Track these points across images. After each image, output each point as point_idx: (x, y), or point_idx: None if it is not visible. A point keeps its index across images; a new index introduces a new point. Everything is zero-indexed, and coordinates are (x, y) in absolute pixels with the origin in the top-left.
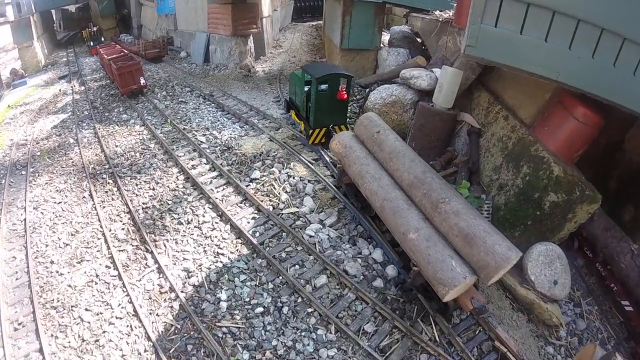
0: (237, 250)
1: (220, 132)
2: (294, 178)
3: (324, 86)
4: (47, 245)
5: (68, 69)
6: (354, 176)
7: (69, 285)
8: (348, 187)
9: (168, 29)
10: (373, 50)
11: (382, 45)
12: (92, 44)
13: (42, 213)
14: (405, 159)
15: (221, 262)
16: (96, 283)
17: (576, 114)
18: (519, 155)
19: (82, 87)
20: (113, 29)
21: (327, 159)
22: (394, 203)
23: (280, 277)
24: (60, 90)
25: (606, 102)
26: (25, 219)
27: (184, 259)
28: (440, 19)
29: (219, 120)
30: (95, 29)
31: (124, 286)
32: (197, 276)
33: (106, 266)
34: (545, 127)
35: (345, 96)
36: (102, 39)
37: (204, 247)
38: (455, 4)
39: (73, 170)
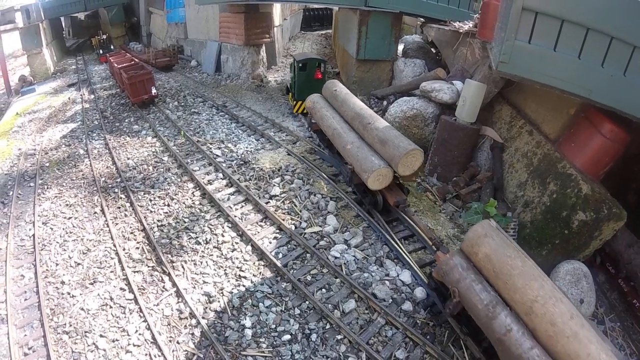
0: (260, 273)
1: (235, 145)
2: (315, 195)
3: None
4: (57, 264)
5: (77, 77)
6: (318, 120)
7: (82, 309)
8: (317, 134)
9: (178, 38)
10: (389, 61)
11: (397, 55)
12: (101, 51)
13: (51, 229)
14: (350, 103)
15: (244, 285)
16: (111, 307)
17: (603, 130)
18: (545, 171)
19: (92, 96)
20: (122, 36)
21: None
22: (340, 130)
23: (307, 302)
24: (69, 98)
25: (636, 120)
26: (34, 235)
27: (204, 282)
28: (461, 30)
29: (233, 133)
30: (104, 36)
31: (141, 311)
32: (218, 301)
33: (121, 288)
34: (572, 144)
35: (320, 76)
36: (112, 46)
37: (225, 270)
38: (477, 16)
39: (83, 183)
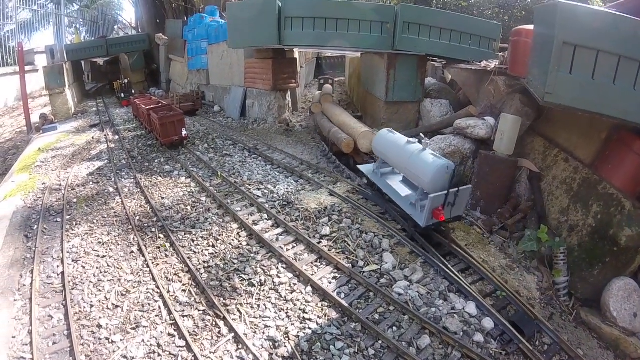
0: (325, 314)
1: (275, 187)
2: (366, 234)
3: None
4: (92, 306)
5: (99, 118)
6: (321, 127)
7: (125, 357)
8: (321, 138)
9: (199, 84)
10: (416, 102)
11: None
12: (122, 95)
13: (83, 267)
14: (339, 115)
15: (310, 328)
16: (159, 355)
17: (636, 148)
18: (586, 195)
19: (116, 136)
20: (142, 82)
21: (396, 213)
22: (333, 129)
23: (380, 341)
24: (93, 137)
25: None
26: (62, 272)
27: (266, 326)
28: (488, 69)
29: (270, 174)
30: (126, 81)
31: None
32: (285, 346)
33: (169, 334)
34: (608, 165)
35: None
36: (132, 91)
37: (287, 312)
38: (502, 54)
39: (116, 221)
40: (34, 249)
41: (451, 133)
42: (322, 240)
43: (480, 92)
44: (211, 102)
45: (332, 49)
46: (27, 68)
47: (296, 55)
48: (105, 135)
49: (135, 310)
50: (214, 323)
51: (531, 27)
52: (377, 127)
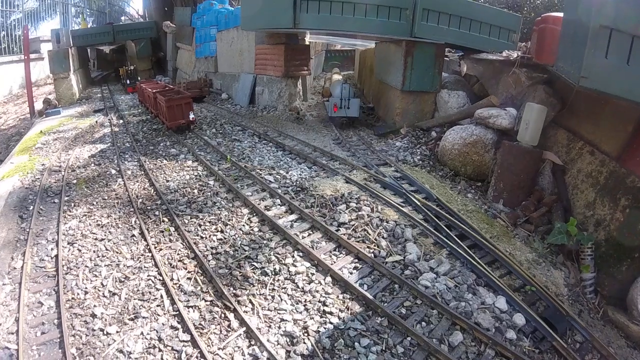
0: (347, 307)
1: (287, 172)
2: (387, 222)
3: None
4: (86, 292)
5: (103, 104)
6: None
7: (120, 351)
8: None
9: (207, 72)
10: (432, 92)
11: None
12: (128, 82)
13: (79, 250)
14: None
15: (331, 322)
16: (160, 350)
17: None
18: (613, 188)
19: (121, 121)
20: (148, 70)
21: (417, 202)
22: None
23: (409, 338)
24: (97, 121)
25: None
26: (56, 255)
27: (282, 319)
28: (511, 58)
29: (282, 160)
30: (132, 67)
31: (203, 356)
32: (304, 342)
33: (172, 327)
34: (637, 158)
35: None
36: (139, 78)
37: (305, 305)
38: (524, 44)
39: (117, 203)
40: (27, 230)
41: (471, 123)
42: (339, 228)
43: (499, 83)
44: (219, 89)
45: (347, 35)
46: (32, 56)
47: (308, 41)
48: (109, 120)
49: (135, 299)
50: (222, 315)
51: (557, 14)
52: (392, 117)
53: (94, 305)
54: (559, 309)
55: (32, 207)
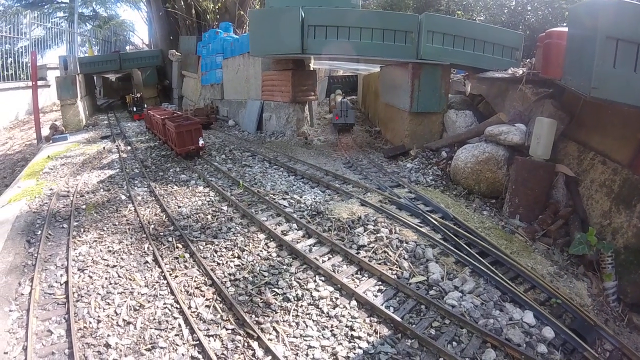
0: (375, 331)
1: (301, 197)
2: (407, 243)
3: None
4: (99, 321)
5: (110, 130)
6: None
7: None
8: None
9: (213, 99)
10: (440, 113)
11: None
12: (134, 109)
13: (90, 277)
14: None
15: (360, 347)
16: None
17: None
18: (628, 195)
19: (128, 147)
20: (154, 98)
21: (434, 222)
22: None
23: (442, 359)
24: (104, 148)
25: None
26: (66, 282)
27: (309, 346)
28: (517, 75)
29: (294, 185)
30: (138, 95)
31: None
32: None
33: (192, 357)
34: None
35: None
36: (145, 105)
37: (331, 330)
38: (529, 61)
39: (128, 229)
40: (35, 255)
41: (480, 141)
42: (359, 251)
43: (506, 100)
44: (225, 116)
45: (352, 59)
46: (39, 83)
47: (312, 67)
48: (117, 146)
49: (151, 328)
50: (246, 344)
51: (561, 29)
52: (401, 139)
53: (108, 335)
54: (586, 319)
55: (40, 232)
